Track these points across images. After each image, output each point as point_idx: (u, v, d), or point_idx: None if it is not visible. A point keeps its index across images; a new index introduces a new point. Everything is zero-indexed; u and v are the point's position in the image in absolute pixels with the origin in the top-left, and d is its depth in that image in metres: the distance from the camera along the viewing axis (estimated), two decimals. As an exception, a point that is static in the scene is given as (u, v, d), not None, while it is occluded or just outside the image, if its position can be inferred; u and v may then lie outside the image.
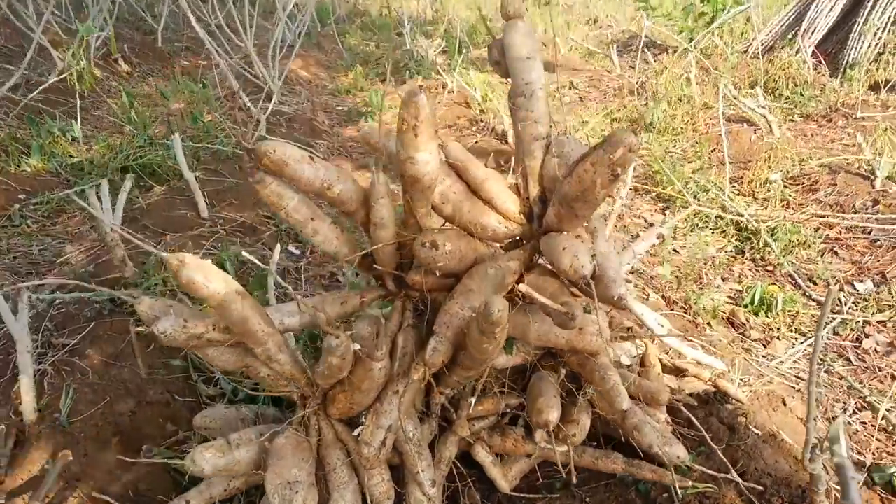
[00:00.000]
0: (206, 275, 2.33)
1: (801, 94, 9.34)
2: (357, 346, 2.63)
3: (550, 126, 2.61)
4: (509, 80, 2.60)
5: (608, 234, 3.40)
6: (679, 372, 3.71)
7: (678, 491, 3.01)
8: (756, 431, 3.34)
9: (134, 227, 5.20)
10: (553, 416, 2.68)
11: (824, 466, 2.67)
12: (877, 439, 3.59)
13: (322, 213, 2.80)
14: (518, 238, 2.87)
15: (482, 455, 3.18)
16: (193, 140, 7.01)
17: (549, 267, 2.69)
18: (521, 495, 3.35)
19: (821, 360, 4.44)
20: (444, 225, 2.87)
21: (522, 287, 2.14)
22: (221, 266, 4.61)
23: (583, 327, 2.73)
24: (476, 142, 8.61)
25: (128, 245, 4.62)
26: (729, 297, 5.59)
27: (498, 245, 2.96)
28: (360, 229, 2.90)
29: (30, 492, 2.97)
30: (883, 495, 3.18)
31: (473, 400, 3.16)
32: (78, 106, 7.06)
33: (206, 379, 3.93)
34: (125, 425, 3.43)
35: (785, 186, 6.86)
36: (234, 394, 3.77)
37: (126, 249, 4.49)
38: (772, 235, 5.94)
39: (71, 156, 6.34)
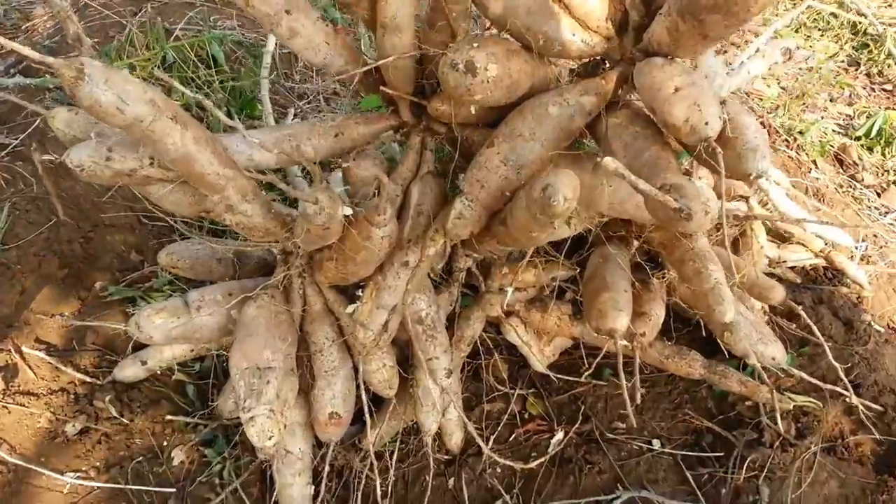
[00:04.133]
0: (119, 92, 1.56)
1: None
2: (348, 211, 1.89)
3: None
4: None
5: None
6: (780, 237, 2.94)
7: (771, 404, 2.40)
8: (879, 329, 2.64)
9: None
10: (621, 322, 2.00)
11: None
12: None
13: (305, 4, 1.91)
14: (599, 59, 1.97)
15: (515, 336, 2.56)
16: None
17: (645, 110, 1.83)
18: (561, 377, 2.79)
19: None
20: (488, 31, 1.96)
21: (609, 163, 1.32)
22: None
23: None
24: None
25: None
26: (838, 124, 4.59)
27: (568, 67, 2.06)
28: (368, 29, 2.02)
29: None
30: None
31: (508, 269, 2.48)
32: None
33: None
34: (75, 255, 2.86)
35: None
36: (213, 222, 3.12)
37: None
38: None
39: None
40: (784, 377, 2.51)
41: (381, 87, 2.07)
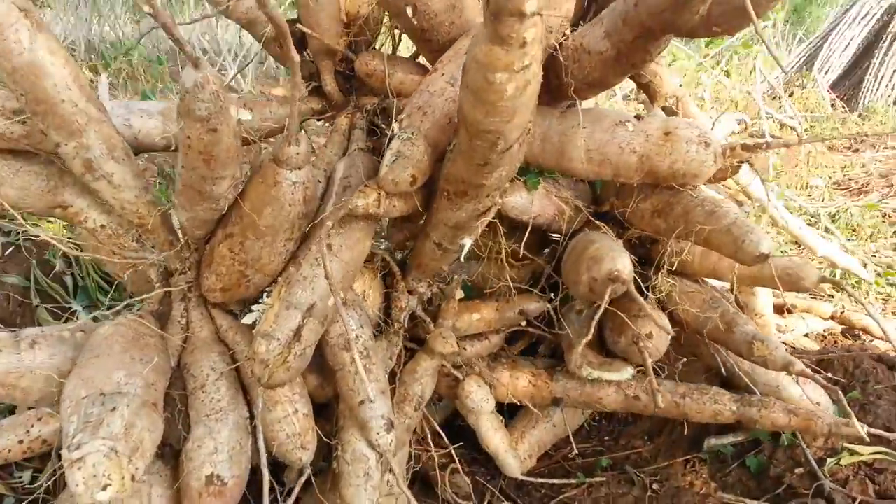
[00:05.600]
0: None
1: (822, 126, 8.61)
2: (245, 115, 1.44)
3: None
4: None
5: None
6: (780, 310, 2.51)
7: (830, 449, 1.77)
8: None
9: None
10: (622, 262, 1.48)
11: None
12: None
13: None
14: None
15: (476, 397, 1.93)
16: None
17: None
18: (544, 481, 2.09)
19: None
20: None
21: None
22: None
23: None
24: None
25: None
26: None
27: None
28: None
29: None
30: None
31: (459, 293, 1.94)
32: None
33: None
34: None
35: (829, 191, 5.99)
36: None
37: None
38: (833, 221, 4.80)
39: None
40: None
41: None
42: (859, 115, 9.14)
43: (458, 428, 2.16)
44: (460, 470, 2.12)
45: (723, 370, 1.95)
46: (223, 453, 1.51)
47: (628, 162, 1.61)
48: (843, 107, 9.43)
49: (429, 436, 2.07)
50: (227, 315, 1.75)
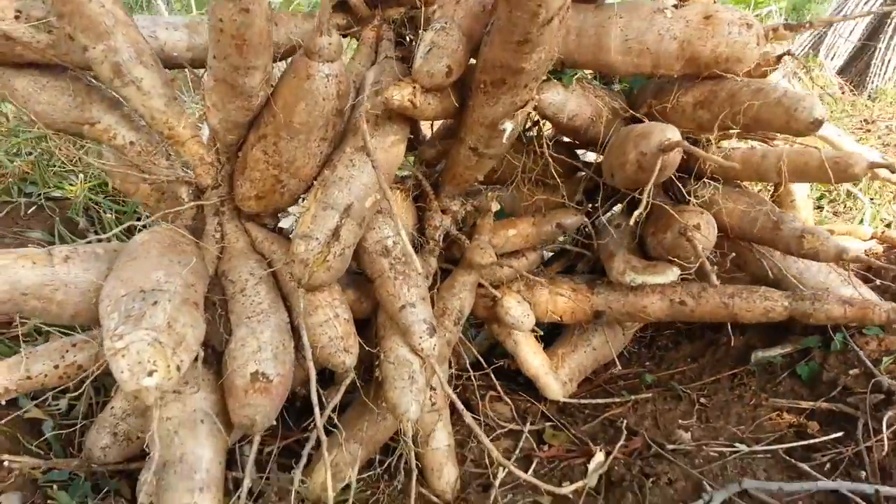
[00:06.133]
0: None
1: (832, 109, 8.51)
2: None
3: None
4: None
5: None
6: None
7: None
8: None
9: None
10: (672, 133, 1.44)
11: None
12: None
13: None
14: None
15: (516, 312, 1.89)
16: None
17: None
18: (587, 401, 2.05)
19: None
20: None
21: None
22: None
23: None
24: None
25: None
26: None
27: None
28: None
29: None
30: None
31: (496, 205, 1.91)
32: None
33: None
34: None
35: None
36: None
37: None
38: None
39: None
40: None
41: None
42: (868, 98, 9.09)
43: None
44: (501, 396, 2.09)
45: (770, 275, 1.90)
46: (267, 352, 1.48)
47: (668, 49, 1.57)
48: (852, 90, 9.35)
49: (467, 361, 2.04)
50: (261, 228, 1.73)
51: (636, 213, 1.39)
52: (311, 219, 1.54)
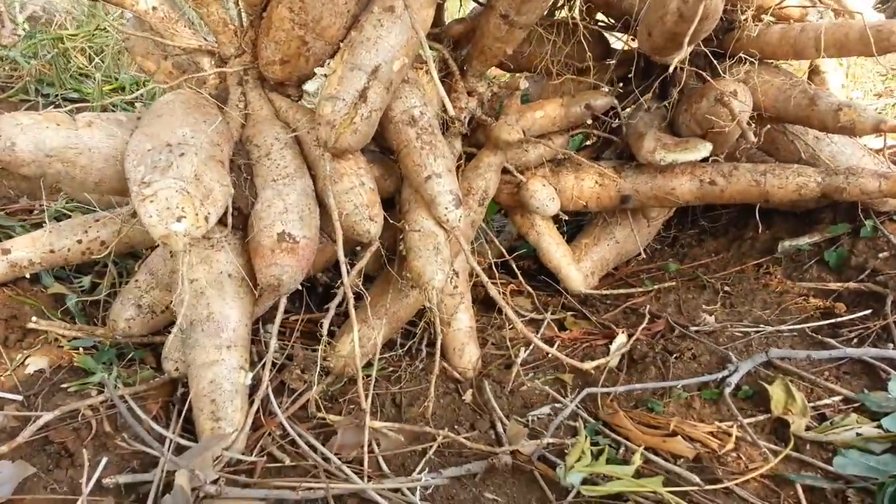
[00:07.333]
0: None
1: None
2: None
3: None
4: None
5: None
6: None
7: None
8: None
9: None
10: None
11: None
12: None
13: None
14: None
15: (541, 195, 1.87)
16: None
17: None
18: (609, 292, 2.05)
19: None
20: None
21: None
22: None
23: None
24: None
25: None
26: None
27: None
28: None
29: None
30: None
31: (524, 83, 1.88)
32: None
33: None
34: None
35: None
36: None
37: None
38: None
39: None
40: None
41: None
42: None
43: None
44: (522, 289, 2.09)
45: (802, 158, 1.87)
46: (293, 213, 1.48)
47: None
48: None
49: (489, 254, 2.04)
50: (285, 98, 1.71)
51: (675, 60, 1.36)
52: (337, 80, 1.51)
